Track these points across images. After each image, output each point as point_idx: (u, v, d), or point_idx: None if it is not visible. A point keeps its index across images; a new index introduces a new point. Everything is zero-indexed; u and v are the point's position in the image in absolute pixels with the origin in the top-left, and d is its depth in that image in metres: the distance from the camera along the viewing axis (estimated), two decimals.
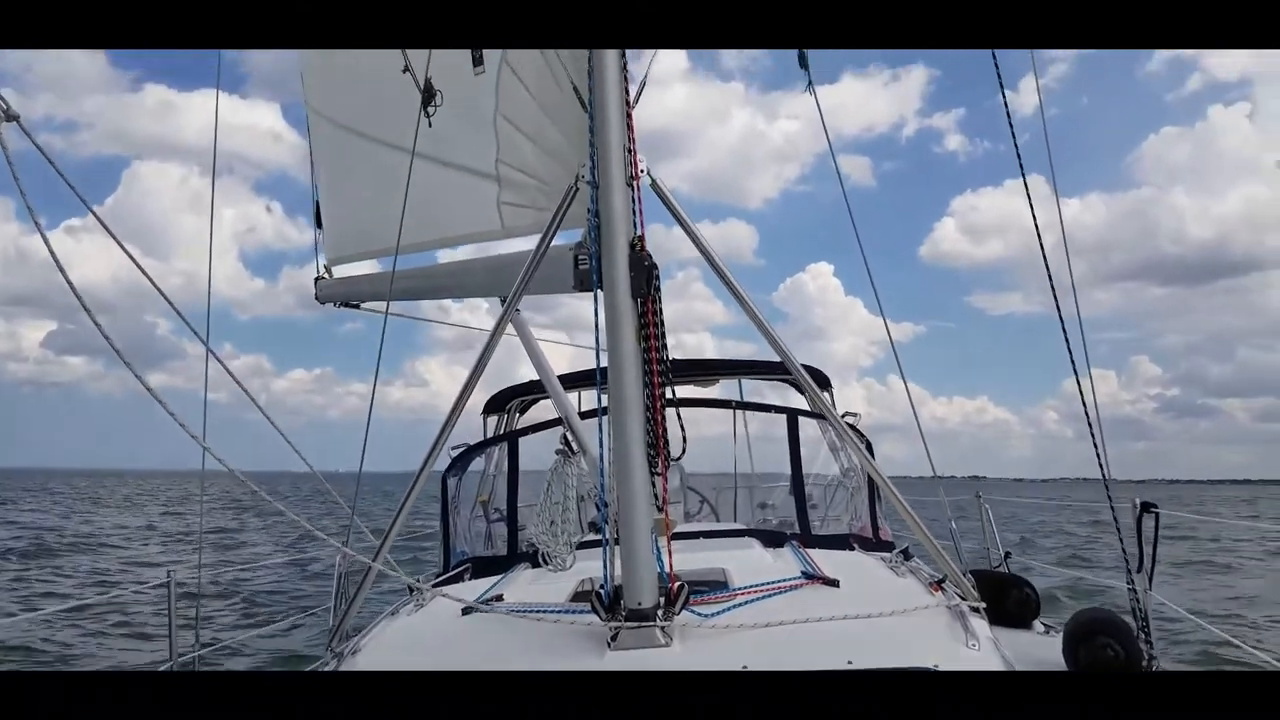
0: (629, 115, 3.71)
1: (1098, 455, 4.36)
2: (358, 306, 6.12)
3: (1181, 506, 40.68)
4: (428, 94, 4.30)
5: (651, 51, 4.39)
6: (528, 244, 4.31)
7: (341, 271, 5.98)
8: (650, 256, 3.36)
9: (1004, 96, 4.66)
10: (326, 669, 3.80)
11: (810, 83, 4.55)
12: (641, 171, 3.61)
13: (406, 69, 4.31)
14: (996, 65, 4.57)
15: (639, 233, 3.43)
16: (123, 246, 3.11)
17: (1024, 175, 4.41)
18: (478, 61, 4.47)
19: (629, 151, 3.63)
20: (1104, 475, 4.43)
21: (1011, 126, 4.55)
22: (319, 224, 6.18)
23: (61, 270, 2.76)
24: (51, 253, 2.70)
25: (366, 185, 5.40)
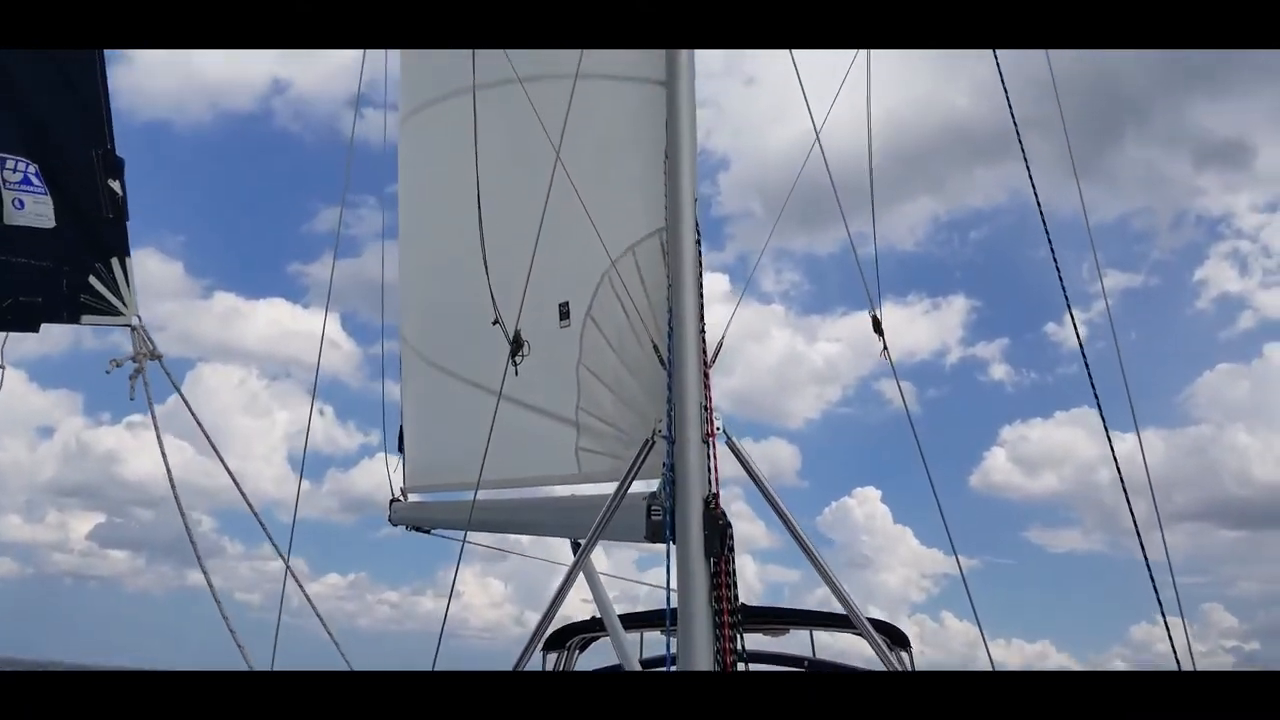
0: (706, 375, 3.91)
1: None
2: (428, 532, 6.25)
3: None
4: (516, 344, 4.60)
5: (732, 309, 4.68)
6: (601, 488, 4.44)
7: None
8: (725, 515, 3.44)
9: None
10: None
11: (885, 347, 4.77)
12: (718, 429, 3.76)
13: (496, 321, 4.64)
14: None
15: (714, 490, 3.53)
16: (225, 465, 3.30)
17: (1097, 398, 4.39)
18: (564, 315, 4.79)
19: (705, 409, 3.80)
20: None
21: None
22: (401, 449, 6.43)
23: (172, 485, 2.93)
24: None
25: (450, 419, 5.66)
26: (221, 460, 3.40)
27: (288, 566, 3.94)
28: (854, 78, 5.75)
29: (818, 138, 5.03)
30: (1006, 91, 4.84)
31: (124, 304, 3.02)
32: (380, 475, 6.39)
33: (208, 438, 3.30)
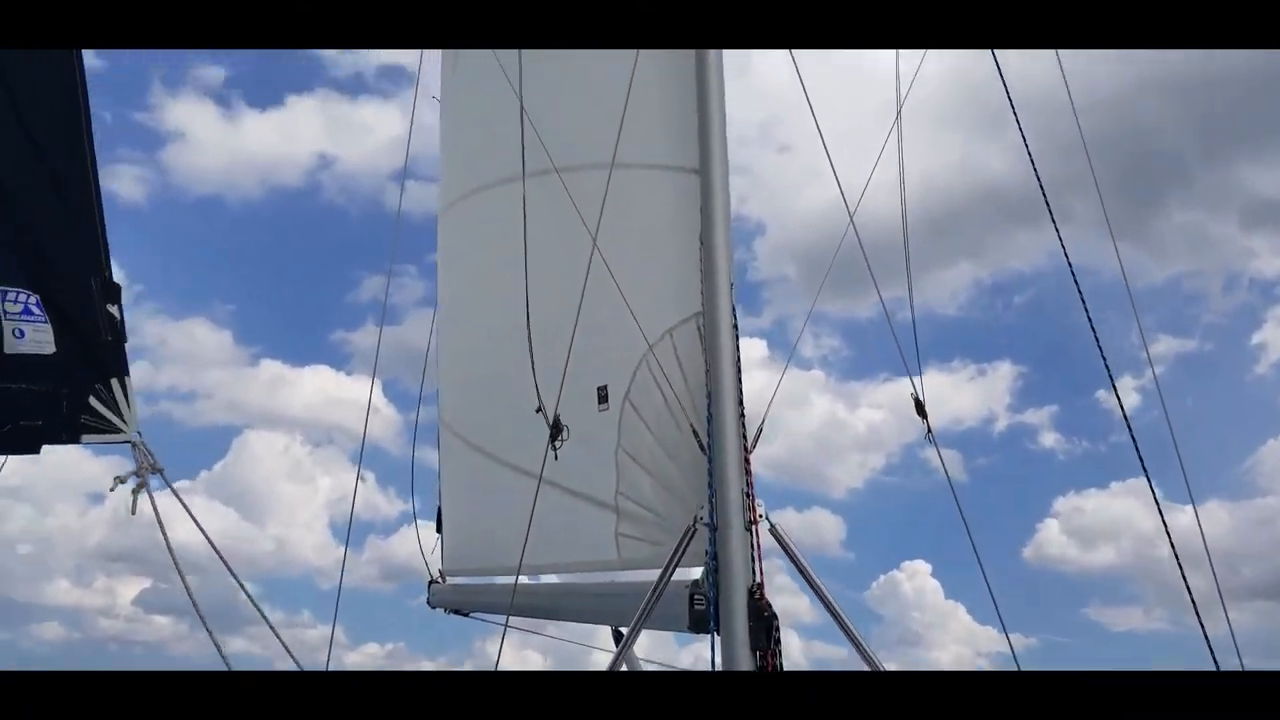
0: (747, 460, 3.91)
1: None
2: (467, 615, 6.23)
3: None
4: (555, 429, 4.64)
5: (770, 377, 4.69)
6: (642, 574, 4.42)
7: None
8: (770, 606, 3.41)
9: (1034, 167, 4.63)
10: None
11: (929, 430, 4.74)
12: (760, 516, 3.74)
13: (540, 409, 4.69)
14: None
15: (758, 580, 3.51)
16: None
17: (1145, 470, 4.31)
18: (603, 399, 4.83)
19: (747, 496, 3.79)
20: None
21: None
22: (439, 529, 6.45)
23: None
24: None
25: (489, 502, 5.68)
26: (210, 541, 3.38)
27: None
28: (886, 143, 5.84)
29: (851, 218, 5.09)
30: (1032, 159, 4.89)
31: (124, 421, 3.07)
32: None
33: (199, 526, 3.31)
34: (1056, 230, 4.76)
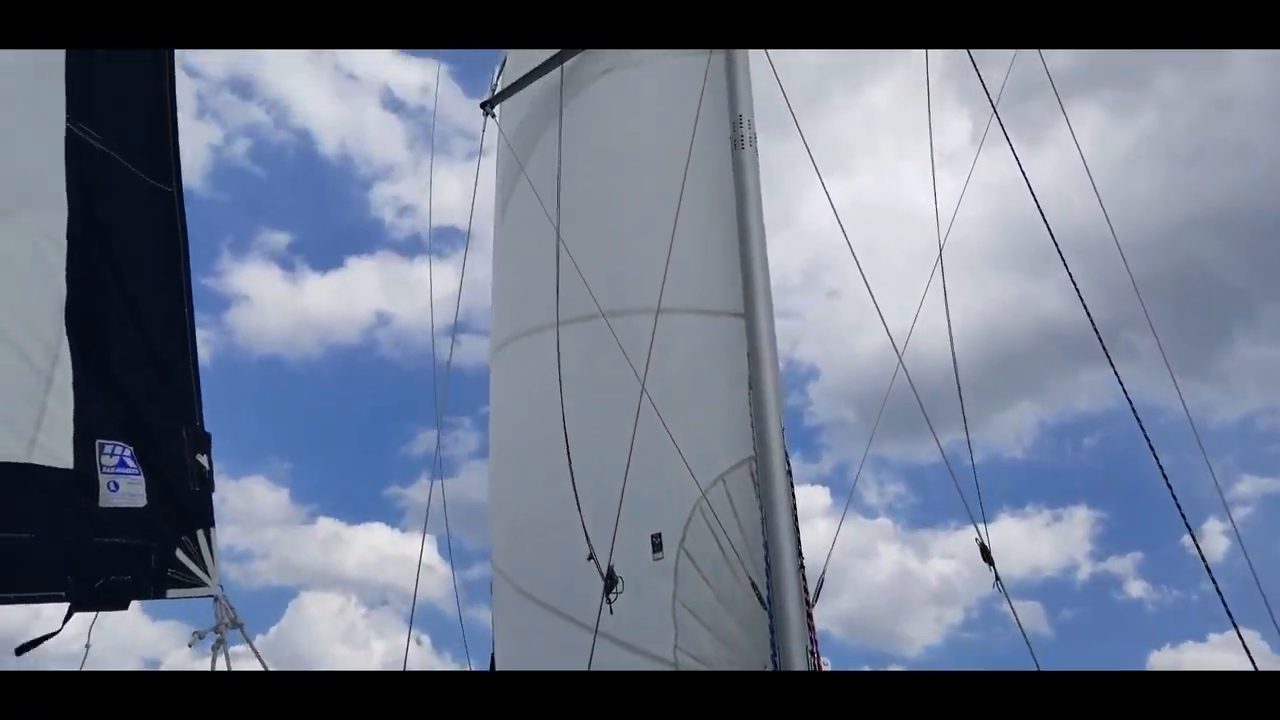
0: (810, 615, 3.79)
1: None
2: None
3: None
4: (610, 581, 4.56)
5: (832, 526, 4.58)
6: None
7: None
8: None
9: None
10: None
11: (997, 578, 4.57)
12: (824, 666, 3.60)
13: (591, 557, 4.62)
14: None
15: None
16: None
17: (1235, 625, 4.07)
18: (657, 548, 4.75)
19: (811, 653, 3.66)
20: None
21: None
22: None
23: None
24: None
25: (543, 654, 5.55)
26: None
27: None
28: (930, 283, 5.84)
29: (900, 361, 5.05)
30: (1083, 299, 4.84)
31: (208, 575, 3.11)
32: None
33: None
34: (1115, 373, 4.67)
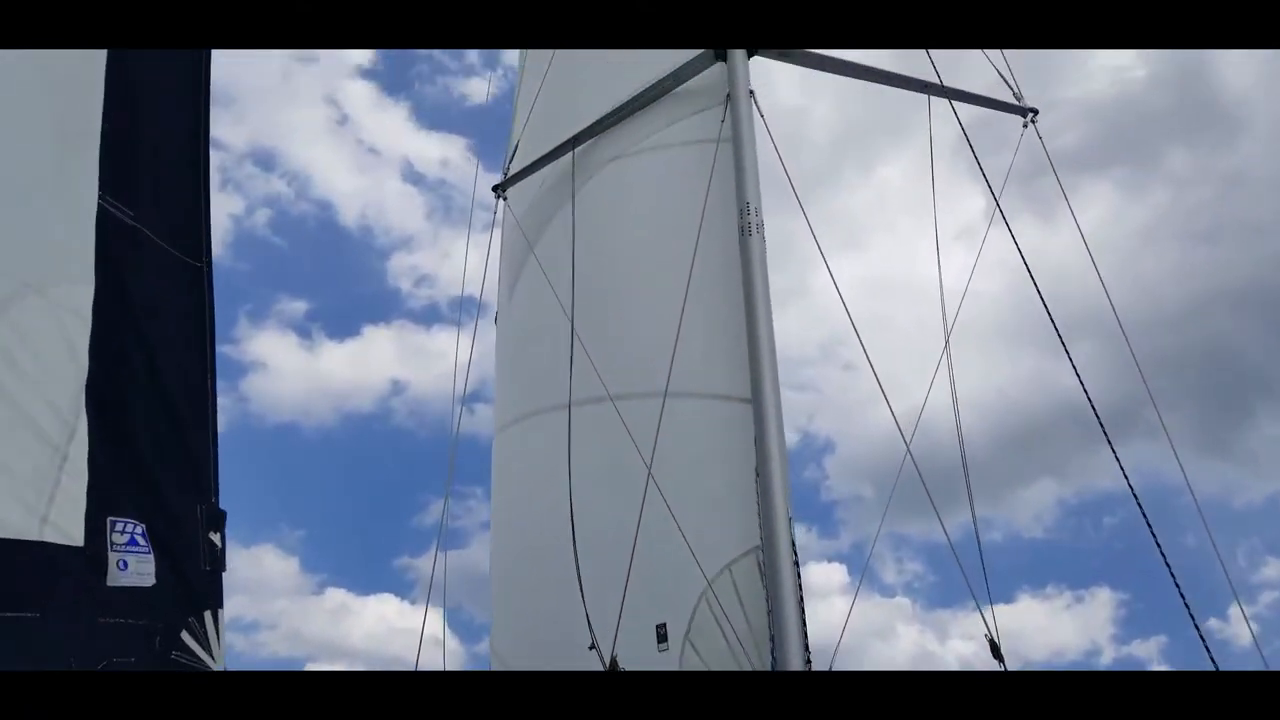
0: None
1: None
2: None
3: None
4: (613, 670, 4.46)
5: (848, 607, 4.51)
6: None
7: None
8: None
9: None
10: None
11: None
12: None
13: (593, 646, 4.53)
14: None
15: None
16: None
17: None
18: (662, 639, 4.66)
19: None
20: None
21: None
22: None
23: None
24: None
25: None
26: None
27: None
28: (940, 361, 5.88)
29: (907, 446, 5.05)
30: (1084, 385, 4.87)
31: (213, 659, 3.02)
32: None
33: None
34: (1116, 457, 4.70)
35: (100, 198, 3.01)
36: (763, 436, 4.61)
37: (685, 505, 4.82)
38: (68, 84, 3.10)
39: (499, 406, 6.61)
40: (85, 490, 2.82)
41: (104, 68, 3.13)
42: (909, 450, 4.89)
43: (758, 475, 4.56)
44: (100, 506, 2.81)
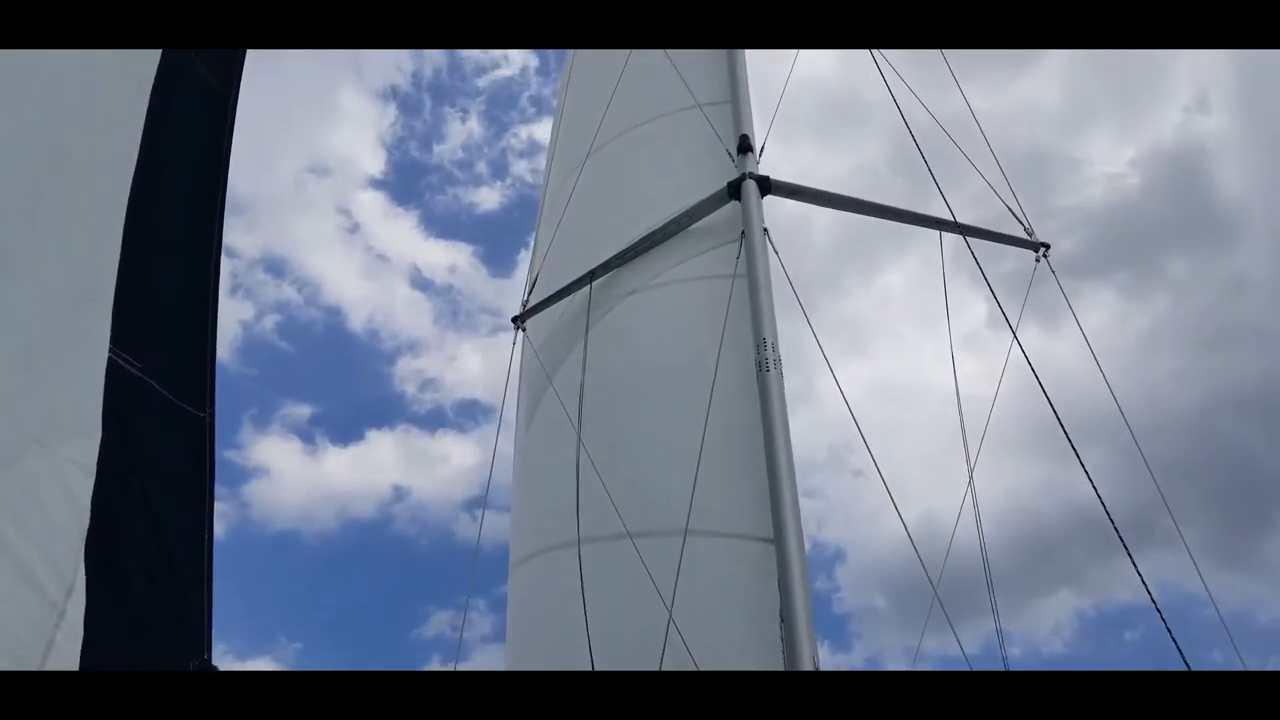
0: None
1: None
2: None
3: None
4: None
5: None
6: None
7: None
8: None
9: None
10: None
11: None
12: None
13: None
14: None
15: None
16: None
17: None
18: None
19: None
20: None
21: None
22: None
23: None
24: None
25: None
26: None
27: None
28: (963, 472, 5.72)
29: (921, 561, 4.86)
30: (1097, 489, 4.71)
31: None
32: None
33: None
34: (1137, 569, 4.50)
35: (111, 350, 3.02)
36: (787, 579, 4.44)
37: (706, 648, 4.64)
38: (89, 232, 3.15)
39: (515, 540, 6.48)
40: (79, 649, 2.73)
41: (123, 217, 3.18)
42: (923, 564, 4.72)
43: (782, 620, 4.37)
44: (93, 665, 2.73)
